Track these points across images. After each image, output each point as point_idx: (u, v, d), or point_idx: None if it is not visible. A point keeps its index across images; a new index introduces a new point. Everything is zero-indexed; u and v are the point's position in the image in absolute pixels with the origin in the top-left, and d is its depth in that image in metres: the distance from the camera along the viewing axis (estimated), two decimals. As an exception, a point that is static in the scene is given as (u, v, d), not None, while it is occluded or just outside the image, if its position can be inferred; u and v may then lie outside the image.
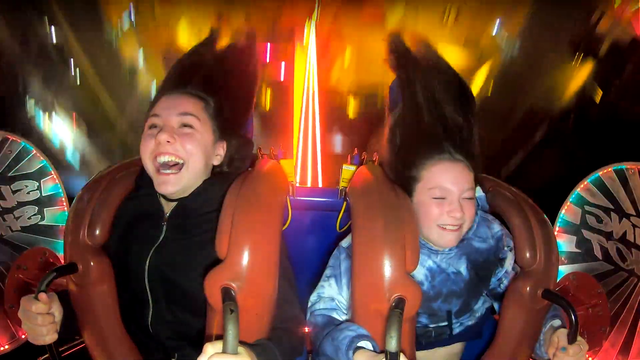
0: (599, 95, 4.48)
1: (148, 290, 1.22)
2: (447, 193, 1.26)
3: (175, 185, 1.20)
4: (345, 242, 1.37)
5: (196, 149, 1.22)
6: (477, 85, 4.78)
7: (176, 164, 1.20)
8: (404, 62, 1.43)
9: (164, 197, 1.27)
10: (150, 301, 1.22)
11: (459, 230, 1.27)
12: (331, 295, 1.31)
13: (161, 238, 1.23)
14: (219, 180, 1.27)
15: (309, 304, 1.35)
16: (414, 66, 1.41)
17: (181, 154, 1.20)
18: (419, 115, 1.34)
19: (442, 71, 1.41)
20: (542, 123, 4.79)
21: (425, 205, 1.28)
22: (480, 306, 1.41)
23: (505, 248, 1.39)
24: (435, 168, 1.28)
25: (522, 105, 4.78)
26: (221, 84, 1.32)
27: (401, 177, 1.33)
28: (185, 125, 1.23)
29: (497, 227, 1.41)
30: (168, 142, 1.19)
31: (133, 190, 1.32)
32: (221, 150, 1.31)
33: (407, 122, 1.37)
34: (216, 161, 1.31)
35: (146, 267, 1.21)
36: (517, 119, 4.79)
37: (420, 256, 1.27)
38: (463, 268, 1.36)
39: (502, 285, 1.40)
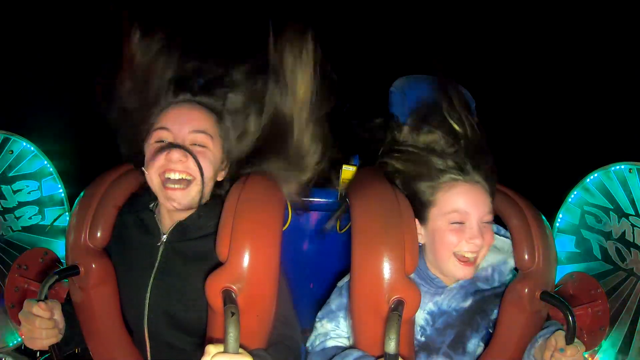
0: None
1: (146, 330, 1.21)
2: (466, 217, 1.18)
3: (182, 200, 1.15)
4: (340, 282, 1.36)
5: (207, 167, 1.17)
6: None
7: (184, 180, 1.16)
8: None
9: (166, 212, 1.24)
10: (147, 343, 1.22)
11: (475, 263, 1.21)
12: (325, 331, 1.31)
13: (157, 263, 1.20)
14: (219, 204, 1.19)
15: (308, 345, 1.35)
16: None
17: (192, 171, 1.15)
18: (430, 130, 1.27)
19: (453, 89, 1.30)
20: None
21: (441, 232, 1.20)
22: (475, 347, 1.30)
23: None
24: (452, 190, 1.21)
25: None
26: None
27: (412, 201, 1.24)
28: (197, 144, 1.17)
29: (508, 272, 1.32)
30: (180, 160, 1.13)
31: (130, 205, 1.29)
32: (224, 167, 1.27)
33: (417, 138, 1.29)
34: (220, 177, 1.26)
35: (145, 308, 1.19)
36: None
37: (422, 296, 1.18)
38: (468, 304, 1.29)
39: None
